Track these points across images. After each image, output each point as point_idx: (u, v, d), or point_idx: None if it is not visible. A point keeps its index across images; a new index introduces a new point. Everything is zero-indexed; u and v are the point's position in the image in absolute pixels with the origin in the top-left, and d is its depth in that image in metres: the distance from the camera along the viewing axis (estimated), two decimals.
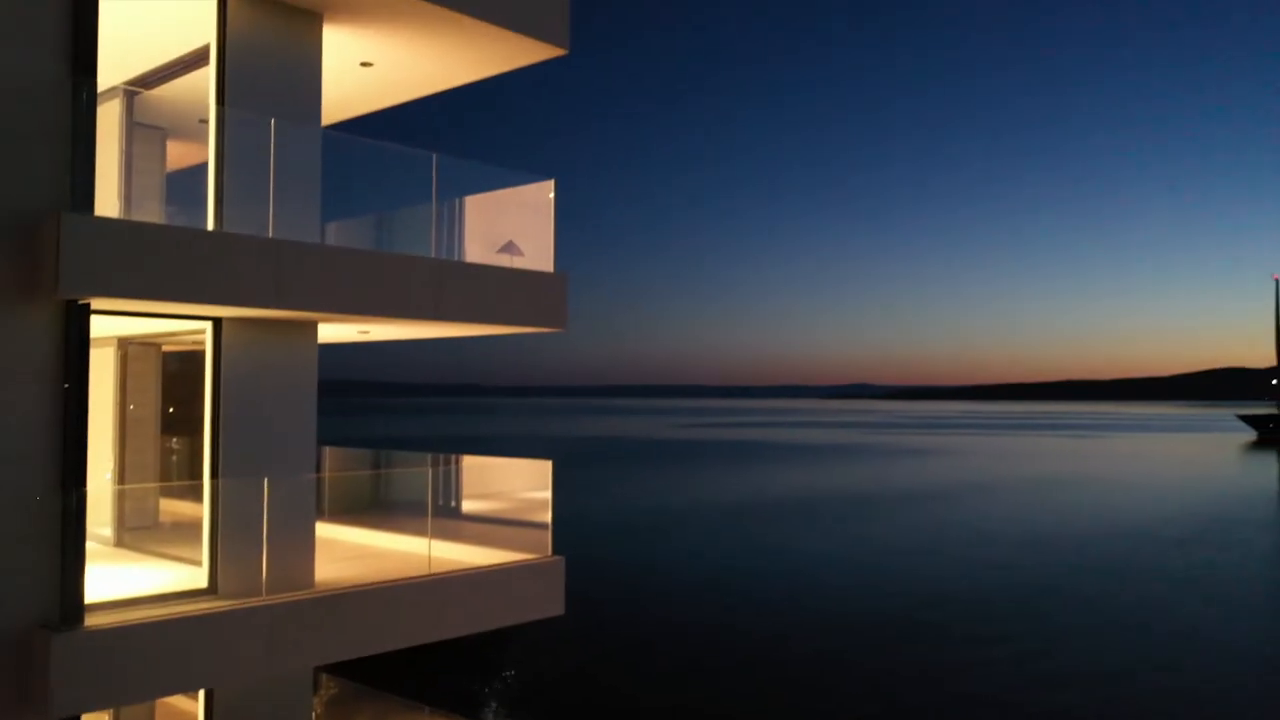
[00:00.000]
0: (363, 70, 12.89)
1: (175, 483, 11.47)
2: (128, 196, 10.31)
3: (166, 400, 12.08)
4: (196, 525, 10.38)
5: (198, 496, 10.56)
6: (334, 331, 12.68)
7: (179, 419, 11.77)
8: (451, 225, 12.11)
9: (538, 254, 12.11)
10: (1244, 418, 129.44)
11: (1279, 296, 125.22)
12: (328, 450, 13.62)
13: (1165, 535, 51.52)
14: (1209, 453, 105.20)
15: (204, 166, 10.48)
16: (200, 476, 10.48)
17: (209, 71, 10.82)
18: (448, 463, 12.84)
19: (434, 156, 11.28)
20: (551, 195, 12.33)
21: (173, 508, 12.06)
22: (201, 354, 10.62)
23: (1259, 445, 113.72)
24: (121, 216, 9.79)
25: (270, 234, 9.99)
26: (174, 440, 11.95)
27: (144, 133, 11.41)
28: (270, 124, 10.27)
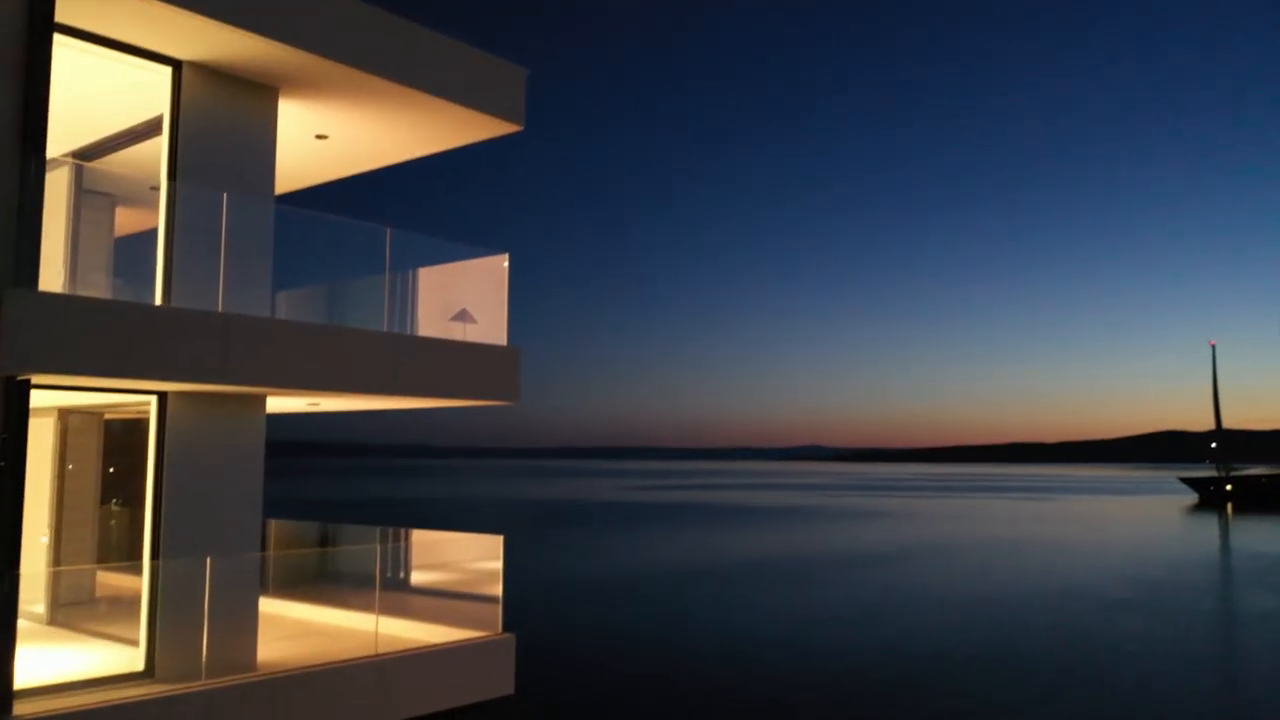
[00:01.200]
0: (318, 142, 12.92)
1: (112, 564, 11.15)
2: (74, 266, 10.17)
3: (108, 470, 11.80)
4: (135, 600, 10.07)
5: (138, 570, 10.27)
6: (283, 403, 12.52)
7: (121, 489, 11.49)
8: (405, 297, 12.09)
9: (491, 327, 12.11)
10: (1186, 480, 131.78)
11: (1215, 362, 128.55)
12: (274, 524, 13.35)
13: (1112, 598, 52.05)
14: (1154, 515, 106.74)
15: (155, 232, 10.38)
16: (142, 548, 10.21)
17: (161, 142, 10.78)
18: (397, 538, 12.64)
19: (388, 231, 11.29)
20: (505, 268, 12.37)
21: (111, 580, 11.71)
22: (146, 422, 10.41)
23: (1201, 508, 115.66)
24: (67, 287, 9.65)
25: (220, 308, 9.90)
26: (115, 510, 11.65)
27: (93, 199, 11.30)
28: (222, 198, 10.23)
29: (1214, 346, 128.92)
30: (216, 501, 10.56)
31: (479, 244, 12.24)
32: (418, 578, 13.05)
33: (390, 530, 12.50)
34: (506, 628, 11.97)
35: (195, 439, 10.42)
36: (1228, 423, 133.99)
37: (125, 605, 10.49)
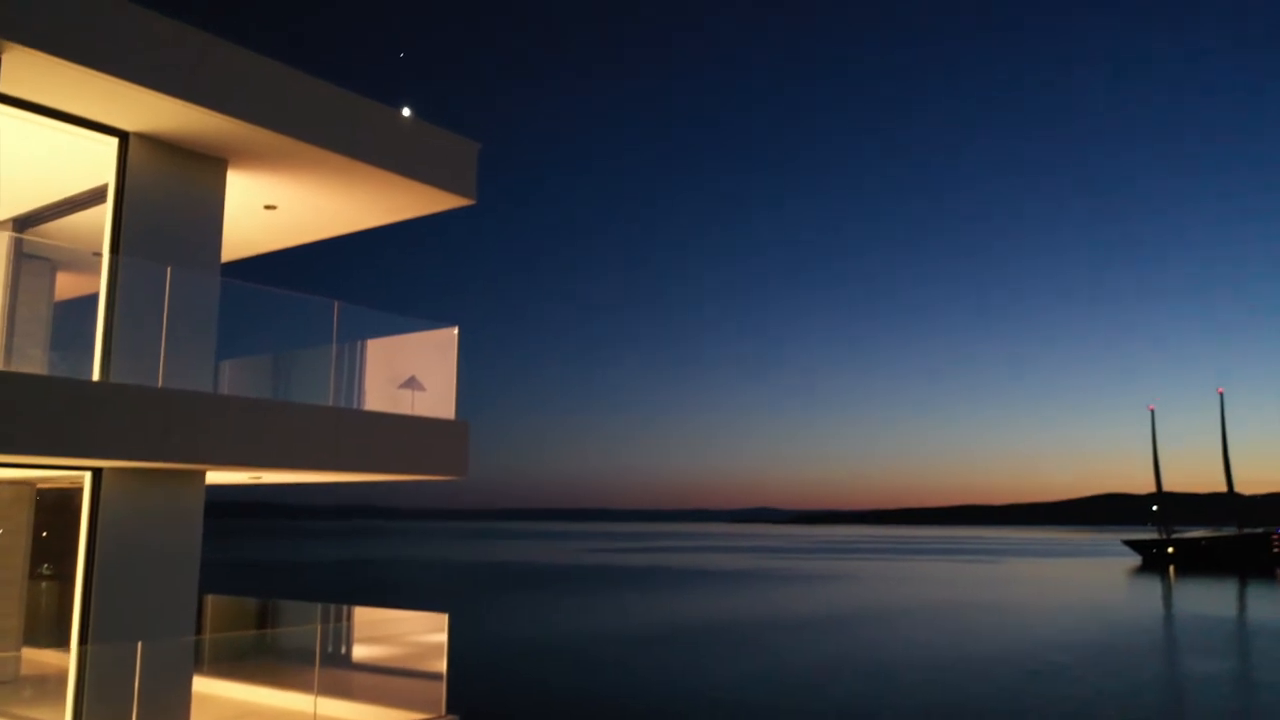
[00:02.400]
0: (267, 212, 12.86)
1: (37, 647, 10.74)
2: (10, 338, 9.95)
3: (39, 543, 11.42)
4: (63, 679, 9.70)
5: (67, 647, 9.90)
6: (224, 476, 12.26)
7: (53, 563, 11.12)
8: (353, 368, 11.98)
9: (440, 400, 12.02)
10: (1129, 543, 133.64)
11: (1154, 426, 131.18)
12: (210, 599, 12.97)
13: (1058, 661, 52.31)
14: (1098, 578, 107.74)
15: (97, 297, 10.20)
16: (73, 625, 9.84)
17: (106, 212, 10.65)
18: (339, 617, 12.34)
19: (335, 305, 11.22)
20: (455, 341, 12.33)
21: (38, 658, 11.27)
22: (81, 492, 10.11)
23: (1144, 570, 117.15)
24: (2, 362, 9.42)
25: (160, 382, 9.72)
26: (45, 586, 11.25)
27: (32, 265, 11.11)
28: (166, 270, 10.10)
29: (1153, 411, 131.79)
30: (151, 580, 10.26)
31: (431, 309, 12.45)
32: (360, 652, 12.73)
33: (332, 608, 12.20)
34: (451, 708, 11.69)
35: (130, 515, 10.16)
36: (1168, 485, 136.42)
37: (53, 685, 10.10)
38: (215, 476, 12.12)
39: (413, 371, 12.18)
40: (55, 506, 11.25)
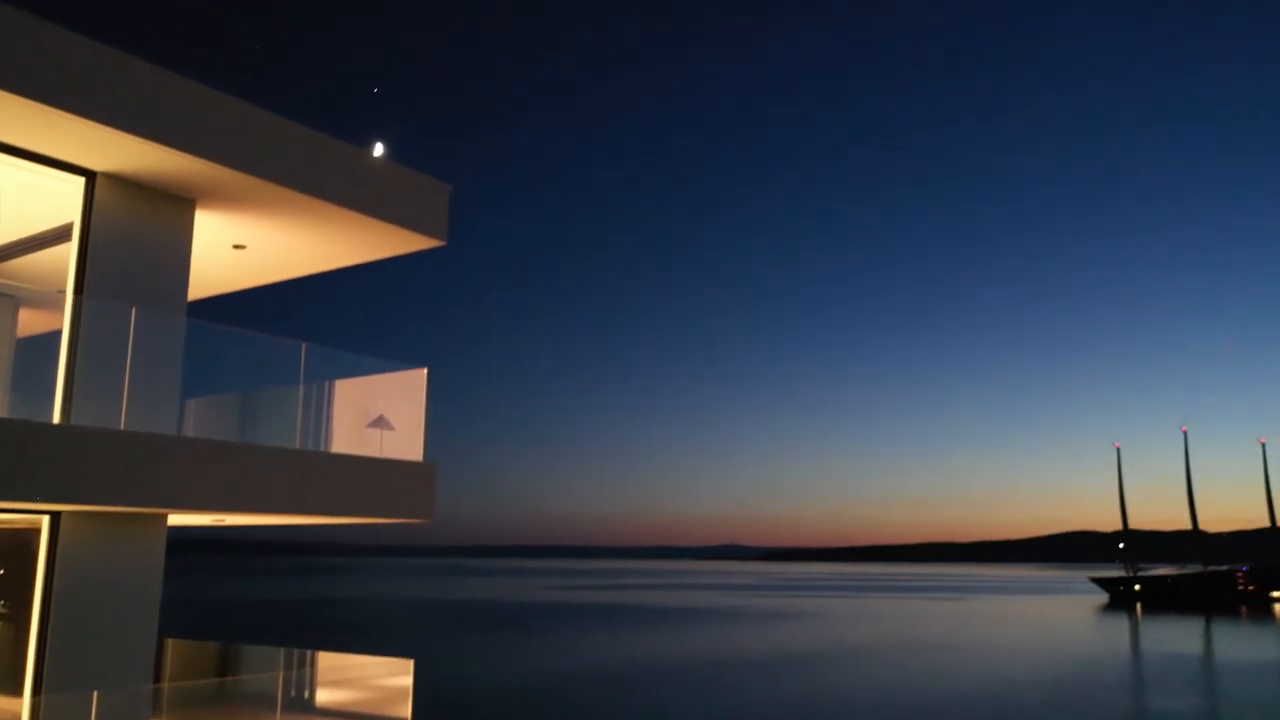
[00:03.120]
0: (236, 251, 12.77)
1: None
2: None
3: None
4: None
5: (18, 691, 9.63)
6: (186, 518, 12.06)
7: (8, 606, 10.84)
8: (320, 409, 11.86)
9: (408, 443, 11.91)
10: (1096, 580, 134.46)
11: (1120, 464, 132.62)
12: (170, 644, 12.70)
13: (1027, 700, 52.33)
14: (1066, 615, 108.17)
15: (60, 334, 10.05)
16: (26, 672, 9.58)
17: (70, 251, 10.53)
18: (302, 663, 12.12)
19: (303, 346, 11.13)
20: (424, 383, 12.24)
21: None
22: (39, 532, 9.89)
23: (1112, 607, 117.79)
24: None
25: (122, 425, 9.57)
26: None
27: None
28: (130, 311, 9.98)
29: (1119, 449, 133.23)
30: (109, 625, 10.04)
31: (401, 347, 12.25)
32: (323, 697, 12.48)
33: (295, 653, 11.98)
34: None
35: (89, 559, 9.95)
36: (1134, 523, 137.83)
37: None
38: (177, 519, 11.91)
39: (381, 413, 12.07)
40: (10, 548, 10.99)
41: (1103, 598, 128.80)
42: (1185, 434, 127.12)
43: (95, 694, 9.41)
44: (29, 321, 11.44)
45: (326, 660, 13.01)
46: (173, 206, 10.92)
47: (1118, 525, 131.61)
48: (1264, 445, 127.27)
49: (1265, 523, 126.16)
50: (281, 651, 12.19)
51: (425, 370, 12.20)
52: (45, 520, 9.76)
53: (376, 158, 11.94)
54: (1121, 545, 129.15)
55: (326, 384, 12.09)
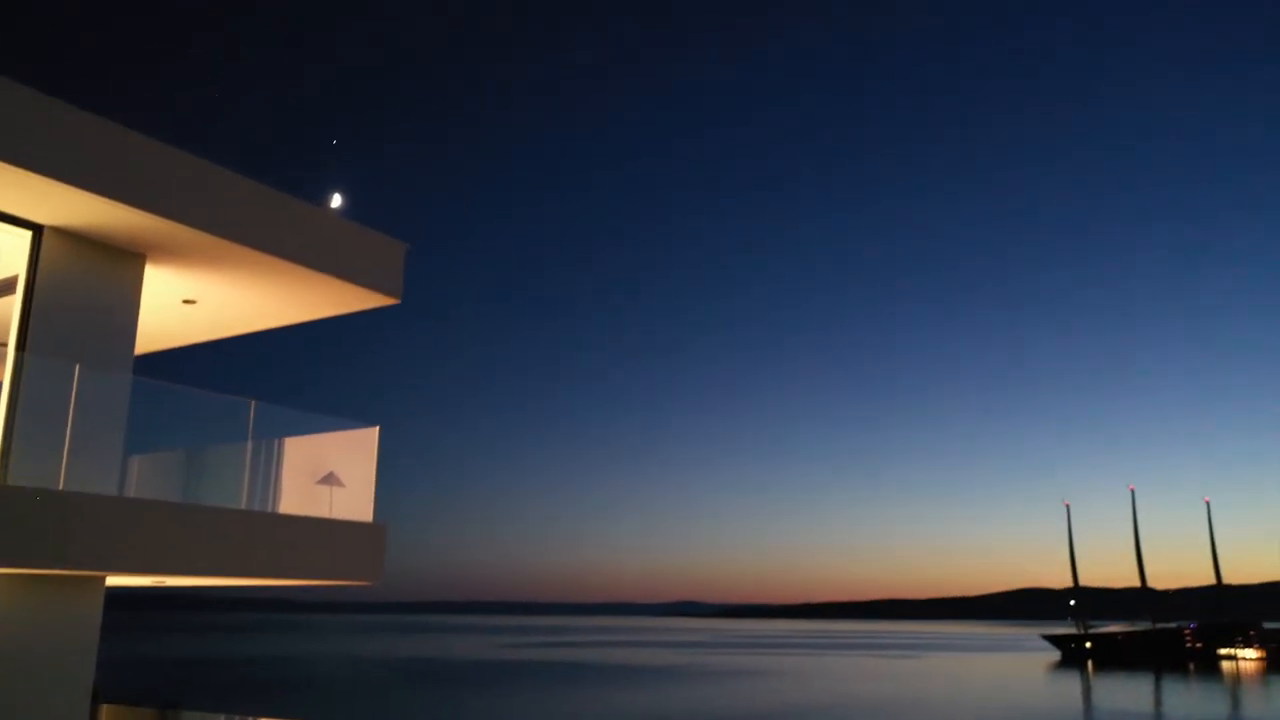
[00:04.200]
0: (186, 306, 12.61)
1: None
2: None
3: None
4: None
5: None
6: (124, 580, 11.74)
7: None
8: (269, 468, 11.65)
9: (357, 503, 11.72)
10: (1048, 638, 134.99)
11: (1070, 520, 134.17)
12: (105, 711, 12.27)
13: None
14: (1019, 673, 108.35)
15: None
16: None
17: (14, 303, 10.33)
18: None
19: (251, 403, 10.96)
20: (375, 441, 12.09)
21: None
22: None
23: (1063, 665, 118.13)
24: None
25: (61, 485, 9.32)
26: None
27: None
28: (74, 369, 9.78)
29: (1068, 506, 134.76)
30: (40, 692, 9.67)
31: (355, 405, 12.09)
32: None
33: (235, 718, 11.62)
34: None
35: (20, 623, 9.61)
36: (1084, 580, 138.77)
37: None
38: (113, 581, 11.59)
39: (331, 471, 11.89)
40: None
41: (1055, 655, 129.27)
42: (1133, 492, 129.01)
43: None
44: None
45: None
46: (122, 261, 10.78)
47: (1069, 582, 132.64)
48: (1209, 504, 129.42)
49: (1210, 580, 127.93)
50: (222, 717, 11.83)
51: (376, 429, 12.06)
52: None
53: (332, 213, 11.90)
54: (1073, 602, 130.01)
55: (275, 442, 11.90)
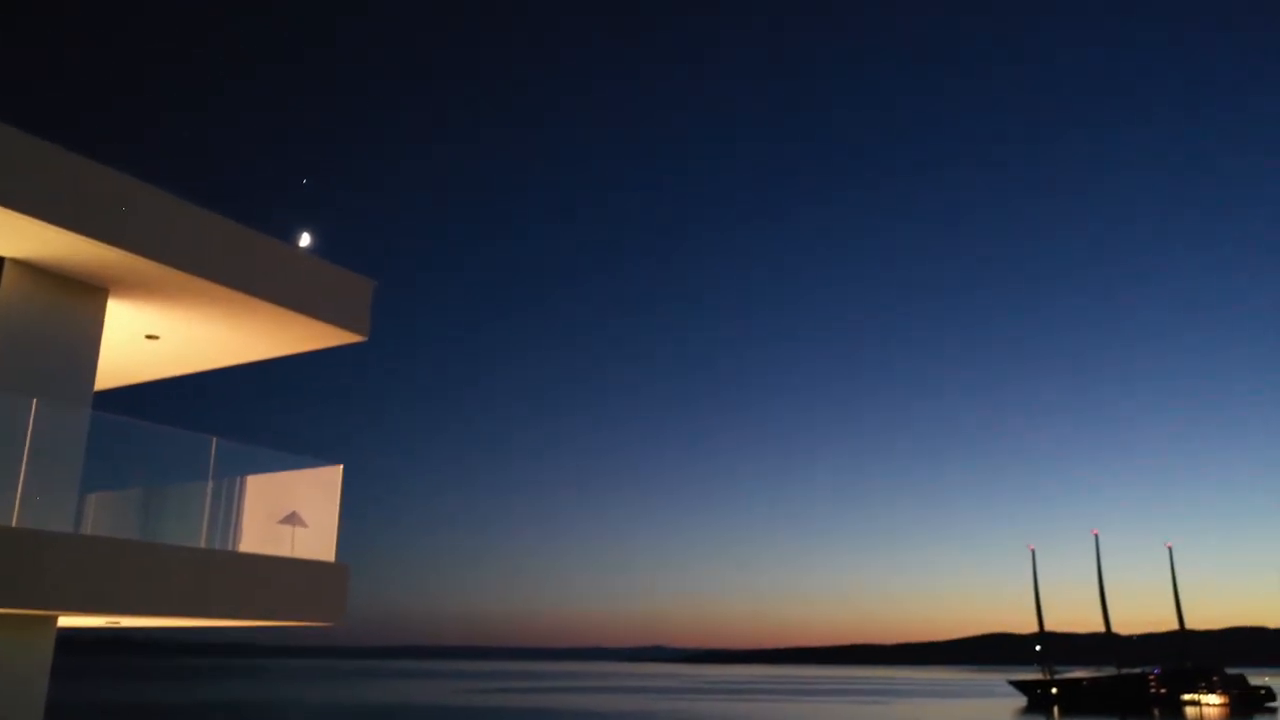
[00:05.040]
0: (149, 342, 12.47)
1: None
2: None
3: None
4: None
5: None
6: (78, 620, 11.47)
7: None
8: (229, 506, 11.47)
9: (320, 543, 11.56)
10: (1014, 684, 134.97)
11: (1035, 566, 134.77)
12: None
13: None
14: (986, 718, 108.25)
15: None
16: None
17: None
18: None
19: (213, 440, 10.81)
20: (339, 480, 11.95)
21: None
22: None
23: (1030, 711, 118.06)
24: None
25: (14, 521, 9.13)
26: None
27: None
28: (31, 403, 9.61)
29: (1033, 551, 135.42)
30: None
31: (318, 442, 11.94)
32: None
33: None
34: None
35: None
36: (1050, 625, 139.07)
37: None
38: (67, 621, 11.33)
39: (294, 510, 11.72)
40: None
41: (1021, 701, 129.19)
42: (1097, 537, 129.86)
43: None
44: None
45: None
46: (85, 295, 10.66)
47: (1034, 627, 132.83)
48: (1171, 549, 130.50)
49: (1174, 625, 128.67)
50: None
51: (340, 467, 11.94)
52: None
53: (299, 249, 11.86)
54: (1039, 648, 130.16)
55: (237, 480, 11.74)
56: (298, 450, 11.99)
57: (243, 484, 11.81)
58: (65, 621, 11.08)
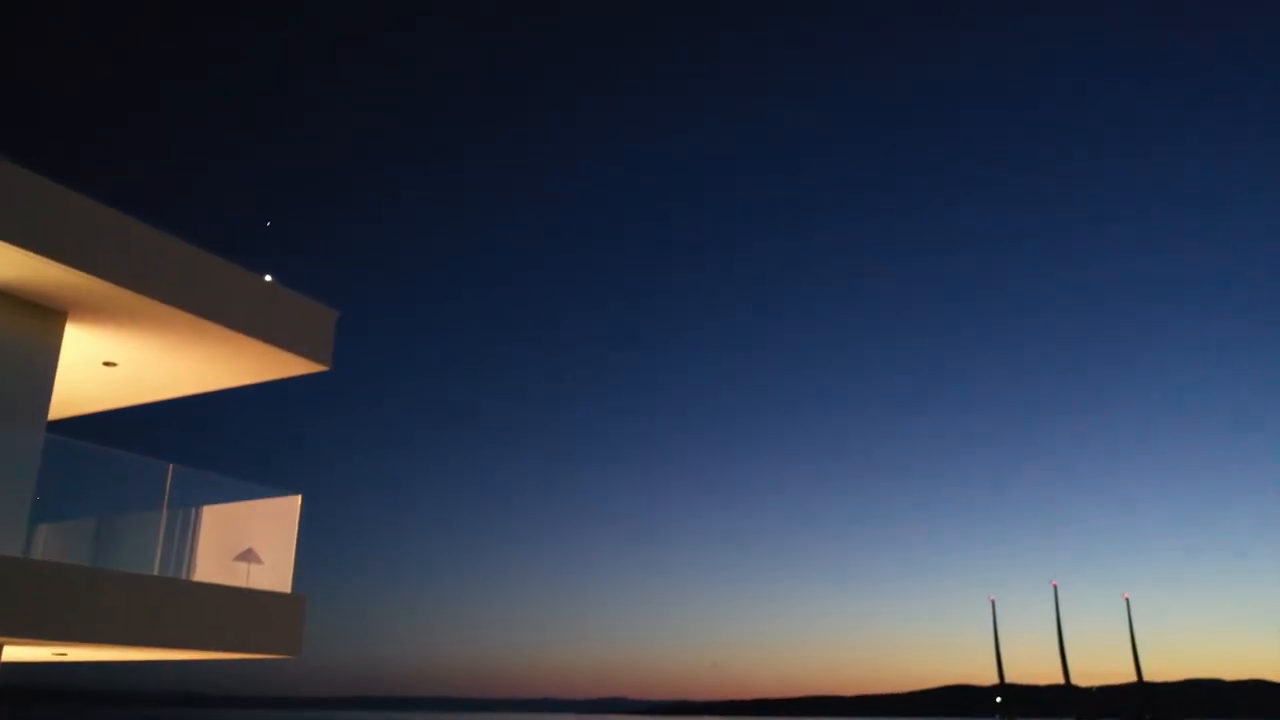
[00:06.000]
0: (106, 369, 12.29)
1: None
2: None
3: None
4: None
5: None
6: (23, 652, 11.15)
7: None
8: (185, 536, 11.27)
9: (277, 572, 11.36)
10: None
11: (995, 617, 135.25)
12: None
13: None
14: None
15: None
16: None
17: None
18: None
19: (169, 467, 10.64)
20: (297, 510, 11.79)
21: None
22: None
23: None
24: None
25: None
26: None
27: None
28: None
29: (993, 602, 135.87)
30: None
31: (274, 479, 11.71)
32: None
33: None
34: None
35: None
36: (1010, 677, 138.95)
37: None
38: (12, 652, 11.01)
39: (251, 541, 11.53)
40: None
41: None
42: (1056, 588, 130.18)
43: None
44: None
45: None
46: (41, 318, 10.50)
47: (995, 679, 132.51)
48: (1128, 601, 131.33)
49: (1133, 677, 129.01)
50: None
51: (299, 498, 11.78)
52: None
53: (262, 278, 11.78)
54: (999, 699, 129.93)
55: (193, 510, 11.54)
56: (255, 479, 11.81)
57: (198, 515, 11.62)
58: (11, 654, 10.77)
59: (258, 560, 11.52)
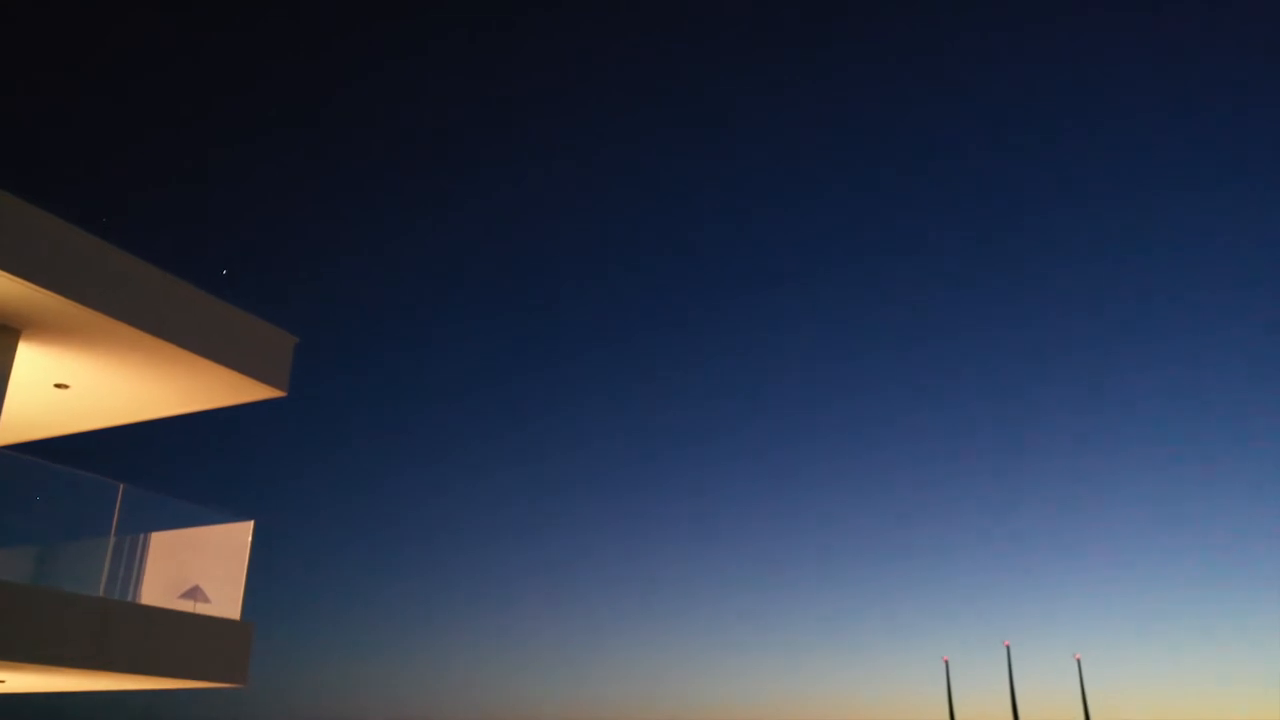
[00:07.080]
0: (58, 391, 12.06)
1: None
2: None
3: None
4: None
5: None
6: None
7: None
8: (131, 562, 11.01)
9: (226, 599, 11.13)
10: None
11: (949, 678, 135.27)
12: None
13: None
14: None
15: None
16: None
17: None
18: None
19: (120, 487, 10.41)
20: (249, 537, 11.58)
21: None
22: None
23: None
24: None
25: None
26: None
27: None
28: None
29: (947, 662, 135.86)
30: None
31: (226, 504, 11.50)
32: None
33: None
34: None
35: None
36: None
37: None
38: None
39: (201, 567, 11.30)
40: None
41: None
42: (1008, 648, 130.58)
43: None
44: None
45: None
46: None
47: None
48: (1079, 661, 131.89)
49: None
50: None
51: (251, 523, 11.58)
52: None
53: (220, 301, 11.66)
54: None
55: (141, 537, 11.30)
56: (208, 503, 11.61)
57: (147, 541, 11.38)
58: None
59: (204, 599, 11.24)
